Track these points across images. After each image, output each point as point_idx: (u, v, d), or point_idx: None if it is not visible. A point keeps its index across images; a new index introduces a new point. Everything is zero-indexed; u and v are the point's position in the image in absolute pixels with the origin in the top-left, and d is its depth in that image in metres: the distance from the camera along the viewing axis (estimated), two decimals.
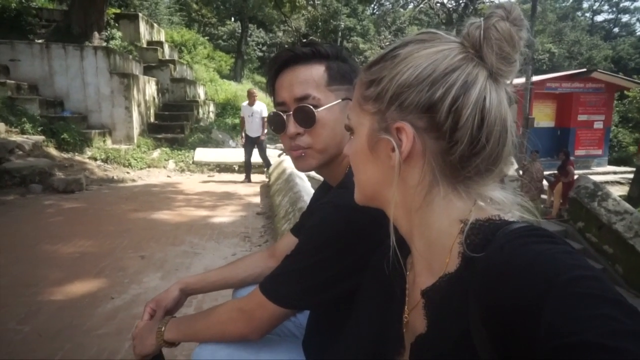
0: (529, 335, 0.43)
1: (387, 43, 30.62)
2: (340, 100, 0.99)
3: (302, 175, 5.67)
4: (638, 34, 50.66)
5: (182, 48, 16.60)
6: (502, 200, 0.59)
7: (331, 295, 0.94)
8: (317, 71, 0.98)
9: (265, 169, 8.15)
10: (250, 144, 7.95)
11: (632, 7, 53.04)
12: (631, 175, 11.72)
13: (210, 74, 17.03)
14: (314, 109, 0.96)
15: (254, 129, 7.79)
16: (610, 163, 15.90)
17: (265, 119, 7.56)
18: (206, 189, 7.06)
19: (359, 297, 0.84)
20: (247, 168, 8.11)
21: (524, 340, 0.43)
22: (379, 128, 0.60)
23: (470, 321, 0.51)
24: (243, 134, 8.05)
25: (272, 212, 5.12)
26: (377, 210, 0.69)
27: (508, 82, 0.59)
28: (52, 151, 7.22)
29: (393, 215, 0.64)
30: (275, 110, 1.03)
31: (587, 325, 0.40)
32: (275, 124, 1.03)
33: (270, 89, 1.06)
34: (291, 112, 0.98)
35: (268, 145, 8.71)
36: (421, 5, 27.12)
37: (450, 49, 0.56)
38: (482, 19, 0.57)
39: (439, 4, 25.25)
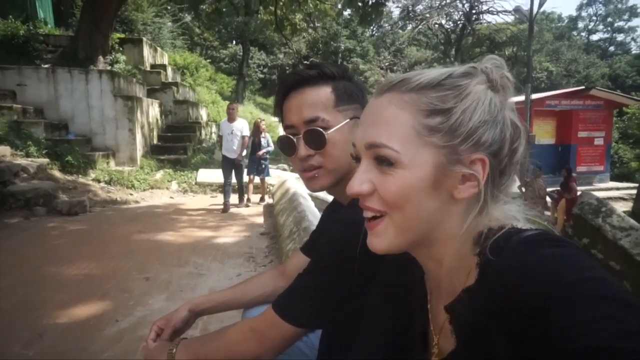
0: (538, 340, 0.43)
1: (387, 64, 31.07)
2: (348, 119, 1.01)
3: (306, 194, 5.67)
4: (633, 52, 51.34)
5: (185, 71, 16.82)
6: (513, 212, 0.61)
7: (346, 313, 0.94)
8: (324, 93, 0.99)
9: (239, 197, 7.40)
10: (228, 165, 7.12)
11: (626, 26, 53.91)
12: (634, 191, 11.68)
13: (212, 96, 17.21)
14: (324, 131, 0.97)
15: (233, 148, 6.99)
16: (613, 179, 15.88)
17: (247, 138, 7.12)
18: (210, 209, 7.06)
19: (368, 315, 0.83)
20: (225, 193, 7.08)
21: (534, 345, 0.44)
22: (450, 161, 0.57)
23: (492, 334, 0.51)
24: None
25: (276, 232, 5.11)
26: None
27: None
28: (57, 174, 7.26)
29: (427, 245, 0.62)
30: (285, 133, 1.04)
31: (595, 327, 0.41)
32: (285, 147, 1.04)
33: (279, 112, 1.07)
34: (301, 135, 0.99)
35: (270, 166, 8.60)
36: (420, 27, 27.60)
37: (486, 88, 0.60)
38: (494, 63, 0.62)
39: (437, 25, 25.71)
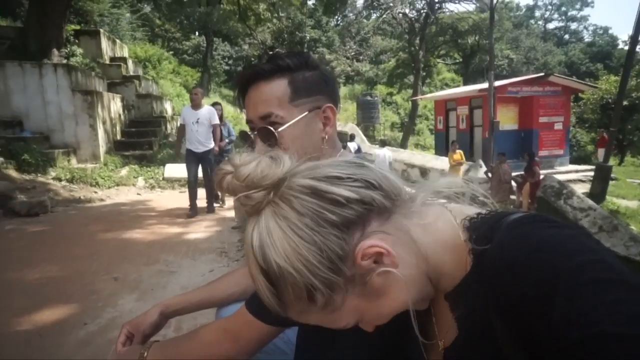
0: (543, 328, 0.42)
1: (353, 53, 31.13)
2: (306, 112, 0.98)
3: None
4: (586, 40, 53.62)
5: (147, 64, 16.29)
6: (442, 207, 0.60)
7: None
8: (279, 87, 0.97)
9: (208, 201, 6.30)
10: (194, 161, 6.09)
11: (578, 15, 56.26)
12: (591, 173, 12.24)
13: (177, 89, 16.78)
14: (274, 129, 0.95)
15: (199, 140, 5.99)
16: (572, 162, 16.58)
17: (219, 128, 6.23)
18: (178, 205, 6.87)
19: None
20: (191, 195, 6.08)
21: (539, 333, 0.43)
22: (360, 282, 0.53)
23: (491, 321, 0.50)
24: (179, 148, 6.59)
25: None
26: None
27: None
28: (12, 173, 6.87)
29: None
30: (246, 130, 1.05)
31: (601, 313, 0.40)
32: (246, 142, 1.05)
33: (242, 105, 1.06)
34: (256, 132, 0.98)
35: None
36: (384, 16, 27.75)
37: None
38: None
39: (401, 14, 25.91)
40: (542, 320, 0.42)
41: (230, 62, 28.18)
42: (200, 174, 6.24)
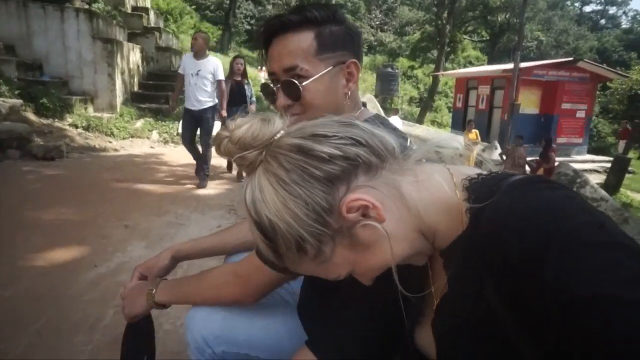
0: (536, 289, 0.42)
1: (378, 22, 30.28)
2: (331, 67, 0.96)
3: None
4: (623, 26, 51.25)
5: (168, 16, 16.12)
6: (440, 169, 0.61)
7: None
8: (305, 39, 0.94)
9: (197, 168, 5.36)
10: (191, 122, 5.17)
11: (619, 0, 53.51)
12: (609, 165, 12.04)
13: None
14: (298, 83, 0.94)
15: (197, 98, 5.02)
16: (590, 152, 16.26)
17: (224, 85, 5.24)
18: (190, 161, 6.94)
19: None
20: (198, 160, 5.33)
21: (531, 293, 0.43)
22: (347, 235, 0.55)
23: (483, 279, 0.51)
24: (176, 103, 5.88)
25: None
26: None
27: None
28: (31, 116, 6.97)
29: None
30: (266, 80, 1.02)
31: (597, 275, 0.39)
32: (267, 94, 1.01)
33: (263, 58, 1.03)
34: (280, 85, 0.97)
35: None
36: None
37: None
38: None
39: None
40: (535, 280, 0.42)
41: (253, 21, 27.69)
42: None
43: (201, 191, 5.04)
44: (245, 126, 0.57)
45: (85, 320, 2.14)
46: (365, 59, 28.53)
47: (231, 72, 5.72)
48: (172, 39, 13.21)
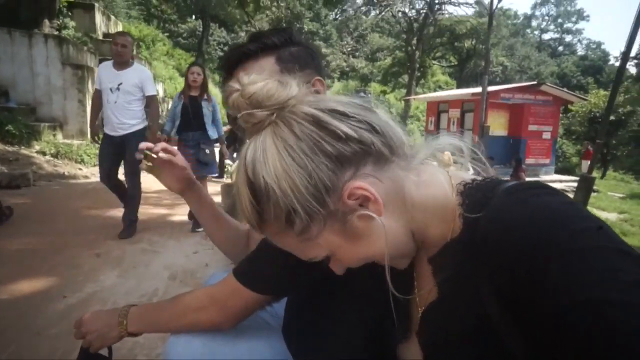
0: (536, 294, 0.41)
1: (349, 49, 31.08)
2: None
3: None
4: (579, 53, 54.39)
5: (141, 43, 16.05)
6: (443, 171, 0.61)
7: (311, 277, 0.91)
8: (267, 65, 0.95)
9: (125, 219, 4.05)
10: (113, 151, 3.92)
11: (574, 28, 57.01)
12: (575, 184, 12.47)
13: (170, 72, 16.62)
14: None
15: (120, 118, 3.79)
16: (556, 172, 16.88)
17: (157, 102, 4.13)
18: (164, 187, 6.80)
19: (351, 279, 0.81)
20: (122, 200, 4.23)
21: (532, 299, 0.42)
22: (341, 220, 0.53)
23: (479, 285, 0.50)
24: (97, 128, 4.18)
25: (235, 212, 5.00)
26: None
27: None
28: None
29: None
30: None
31: (597, 279, 0.39)
32: (238, 127, 1.00)
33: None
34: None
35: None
36: (383, 13, 27.74)
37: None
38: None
39: (400, 13, 25.94)
40: (535, 285, 0.42)
41: (226, 48, 27.94)
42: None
43: (177, 217, 4.92)
44: (260, 83, 0.55)
45: (52, 355, 2.00)
46: (338, 85, 29.09)
47: (186, 86, 4.37)
48: (145, 66, 13.15)
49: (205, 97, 4.40)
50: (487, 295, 0.48)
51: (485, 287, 0.48)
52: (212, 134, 4.47)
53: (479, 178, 0.57)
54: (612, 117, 11.54)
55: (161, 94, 13.27)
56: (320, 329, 0.89)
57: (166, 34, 22.49)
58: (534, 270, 0.42)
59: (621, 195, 14.28)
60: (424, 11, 25.95)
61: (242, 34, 28.26)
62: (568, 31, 57.18)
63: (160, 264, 3.33)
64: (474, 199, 0.54)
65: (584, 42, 57.41)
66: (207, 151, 4.39)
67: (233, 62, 0.97)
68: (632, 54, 9.54)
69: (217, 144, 4.91)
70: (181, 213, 5.12)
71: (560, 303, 0.40)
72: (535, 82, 16.35)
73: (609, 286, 0.38)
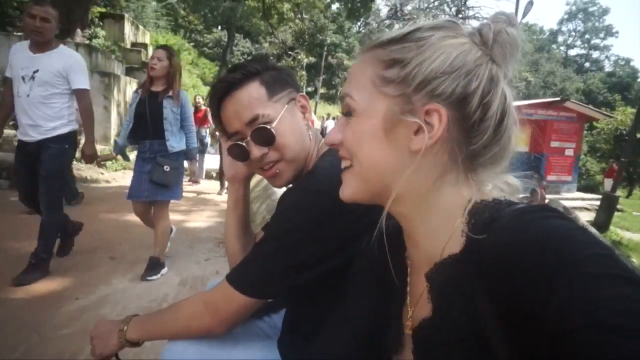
0: (540, 315, 0.41)
1: None
2: (286, 106, 1.03)
3: None
4: (606, 69, 53.18)
5: None
6: (513, 186, 0.61)
7: (302, 281, 0.92)
8: (254, 89, 1.01)
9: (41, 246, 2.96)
10: (28, 161, 2.93)
11: (601, 44, 55.82)
12: (597, 202, 12.14)
13: (193, 80, 16.97)
14: (269, 126, 0.98)
15: (35, 119, 2.84)
16: (579, 190, 16.44)
17: (88, 100, 3.03)
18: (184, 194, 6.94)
19: (348, 291, 0.81)
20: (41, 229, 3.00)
21: (535, 320, 0.41)
22: (403, 110, 0.57)
23: (477, 304, 0.49)
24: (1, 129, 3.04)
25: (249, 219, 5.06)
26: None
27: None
28: None
29: (393, 200, 0.60)
30: (232, 142, 1.04)
31: (602, 304, 0.38)
32: (238, 155, 1.04)
33: (218, 122, 1.07)
34: (249, 138, 1.00)
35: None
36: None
37: (470, 43, 0.58)
38: (488, 21, 0.59)
39: None
40: (540, 309, 0.41)
41: (250, 58, 28.43)
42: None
43: (191, 224, 5.00)
44: None
45: (61, 355, 2.06)
46: None
47: (147, 77, 3.26)
48: None
49: (171, 93, 3.17)
50: (485, 316, 0.48)
51: (484, 306, 0.48)
52: (175, 144, 3.25)
53: (488, 199, 0.57)
54: (638, 135, 11.18)
55: None
56: (314, 341, 0.90)
57: (192, 44, 23.03)
58: (539, 292, 0.41)
59: None
60: None
61: (266, 44, 28.72)
62: (595, 47, 56.05)
63: (172, 270, 3.39)
64: (480, 218, 0.53)
65: (612, 58, 56.22)
66: (166, 168, 3.18)
67: (221, 93, 1.02)
68: None
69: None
70: (195, 220, 5.21)
71: (564, 326, 0.39)
72: (559, 98, 16.03)
73: (618, 313, 0.38)
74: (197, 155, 3.69)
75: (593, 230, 7.16)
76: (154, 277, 3.17)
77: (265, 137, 0.99)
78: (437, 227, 0.59)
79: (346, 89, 0.63)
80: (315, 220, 0.88)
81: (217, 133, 5.95)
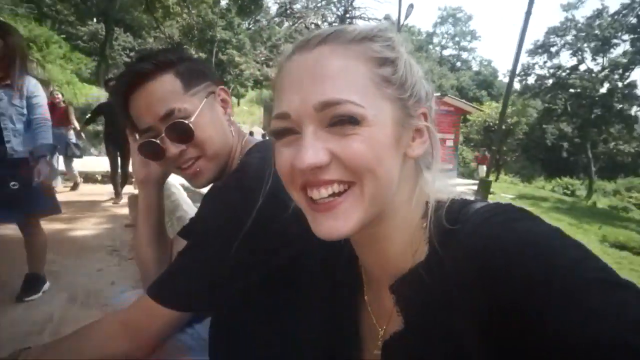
0: (535, 327, 0.38)
1: (263, 58, 31.09)
2: (204, 100, 0.93)
3: (178, 184, 5.30)
4: (474, 69, 60.28)
5: (31, 45, 14.51)
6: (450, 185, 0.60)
7: (234, 289, 0.84)
8: (169, 82, 0.90)
9: None
10: None
11: (469, 47, 63.17)
12: (474, 187, 13.69)
13: (68, 76, 15.22)
14: (186, 121, 0.87)
15: None
16: (458, 176, 18.40)
17: None
18: (62, 199, 6.13)
19: (295, 300, 0.76)
20: None
21: (525, 331, 0.38)
22: (405, 115, 0.52)
23: (454, 312, 0.46)
24: None
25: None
26: (280, 191, 0.59)
27: None
28: None
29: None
30: (145, 139, 0.90)
31: (603, 315, 0.36)
32: (152, 153, 0.91)
33: (125, 117, 0.93)
34: (163, 134, 0.88)
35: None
36: (296, 25, 28.23)
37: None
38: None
39: (313, 25, 26.58)
40: (533, 316, 0.38)
41: (132, 54, 26.30)
42: None
43: (77, 232, 4.45)
44: None
45: None
46: (252, 93, 28.88)
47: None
48: (37, 69, 11.92)
49: (9, 81, 2.44)
50: (464, 325, 0.44)
51: (462, 316, 0.44)
52: (21, 146, 2.50)
53: (443, 199, 0.54)
54: (502, 127, 12.96)
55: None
56: (253, 350, 0.84)
57: (63, 36, 20.57)
58: (530, 302, 0.39)
59: (511, 196, 15.91)
60: (336, 24, 26.92)
61: (150, 39, 26.85)
62: (464, 49, 63.11)
63: (56, 285, 2.97)
64: (440, 222, 0.50)
65: (478, 59, 63.78)
66: (13, 185, 2.45)
67: (128, 84, 0.88)
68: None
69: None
70: (82, 227, 4.65)
71: (565, 341, 0.36)
72: (439, 94, 17.72)
73: (616, 326, 0.35)
74: (53, 155, 2.79)
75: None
76: (34, 297, 2.72)
77: (183, 132, 0.87)
78: (403, 237, 0.55)
79: (336, 92, 0.48)
80: (244, 221, 0.79)
81: (82, 134, 5.34)
